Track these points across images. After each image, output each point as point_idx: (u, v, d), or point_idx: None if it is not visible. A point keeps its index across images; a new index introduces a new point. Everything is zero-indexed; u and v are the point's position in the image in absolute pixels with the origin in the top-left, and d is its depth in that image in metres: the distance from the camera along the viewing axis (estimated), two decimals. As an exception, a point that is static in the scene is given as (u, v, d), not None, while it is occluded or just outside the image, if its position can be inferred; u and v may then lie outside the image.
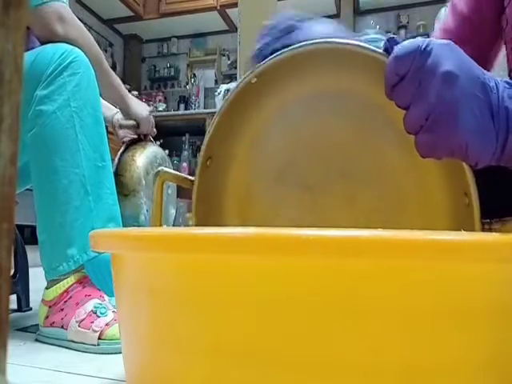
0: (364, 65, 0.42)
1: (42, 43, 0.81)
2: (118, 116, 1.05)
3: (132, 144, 1.01)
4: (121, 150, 0.99)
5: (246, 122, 0.50)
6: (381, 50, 0.40)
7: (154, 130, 1.07)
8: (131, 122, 1.01)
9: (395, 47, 0.37)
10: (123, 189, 0.93)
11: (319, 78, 0.48)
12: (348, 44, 0.41)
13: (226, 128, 0.49)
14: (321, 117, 0.50)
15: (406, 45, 0.37)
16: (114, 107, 1.08)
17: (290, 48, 0.43)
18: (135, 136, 1.03)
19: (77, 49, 0.78)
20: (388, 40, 0.38)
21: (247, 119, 0.50)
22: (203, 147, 0.49)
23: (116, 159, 0.97)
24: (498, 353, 0.29)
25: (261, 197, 0.54)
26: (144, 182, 0.95)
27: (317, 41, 0.42)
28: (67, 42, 0.79)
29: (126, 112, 1.00)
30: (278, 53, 0.43)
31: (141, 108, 1.02)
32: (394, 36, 0.39)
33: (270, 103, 0.50)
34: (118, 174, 0.94)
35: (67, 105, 0.75)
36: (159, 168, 0.53)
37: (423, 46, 0.36)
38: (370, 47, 0.40)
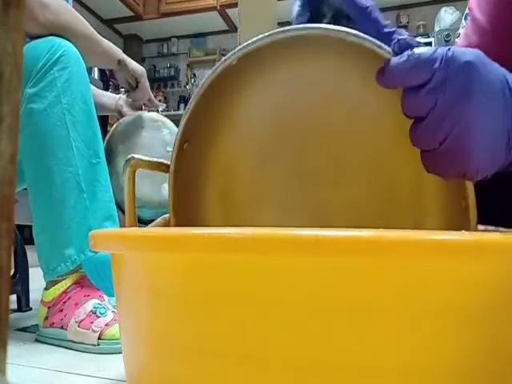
0: (358, 53, 0.39)
1: (32, 38, 0.77)
2: (121, 101, 1.04)
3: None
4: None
5: (226, 105, 0.47)
6: (382, 44, 0.36)
7: (152, 96, 1.04)
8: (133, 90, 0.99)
9: (412, 50, 0.34)
10: (107, 156, 0.92)
11: (308, 64, 0.45)
12: (344, 33, 0.38)
13: (205, 111, 0.46)
14: (310, 101, 0.47)
15: (426, 52, 0.33)
16: (113, 94, 1.07)
17: (276, 32, 0.39)
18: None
19: (66, 41, 0.76)
20: (399, 41, 0.35)
21: (228, 102, 0.47)
22: (180, 129, 0.45)
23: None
24: (495, 353, 0.29)
25: (244, 184, 0.51)
26: (121, 142, 0.93)
27: (308, 26, 0.39)
28: (56, 34, 0.77)
29: (127, 68, 0.95)
30: (264, 36, 0.40)
31: (138, 65, 0.99)
32: (405, 37, 0.35)
33: (253, 85, 0.46)
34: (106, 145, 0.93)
35: (58, 101, 0.74)
36: (129, 156, 0.48)
37: (447, 59, 0.33)
38: (372, 40, 0.36)
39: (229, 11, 4.00)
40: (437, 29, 3.33)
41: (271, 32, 0.40)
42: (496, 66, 0.35)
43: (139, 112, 1.01)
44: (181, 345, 0.31)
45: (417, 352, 0.27)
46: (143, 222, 0.70)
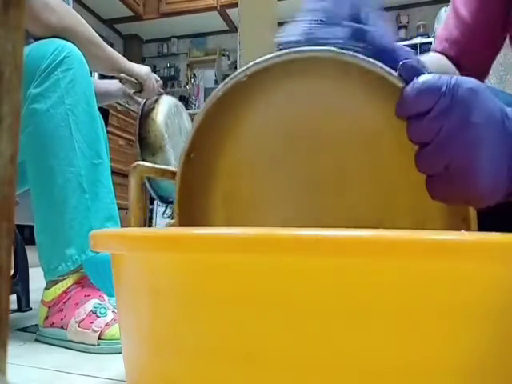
0: (363, 75, 0.40)
1: (36, 39, 0.78)
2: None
3: (145, 105, 1.01)
4: (138, 116, 0.99)
5: (231, 119, 0.49)
6: (391, 71, 0.37)
7: (160, 83, 1.04)
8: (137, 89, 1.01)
9: (417, 79, 0.35)
10: (151, 149, 0.93)
11: (316, 83, 0.46)
12: (356, 58, 0.39)
13: (211, 123, 0.47)
14: (312, 113, 0.48)
15: (431, 79, 0.34)
16: (116, 80, 1.08)
17: (289, 52, 0.41)
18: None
19: (69, 43, 0.77)
20: (404, 65, 0.36)
21: (233, 116, 0.49)
22: (188, 141, 0.47)
23: (136, 125, 0.97)
24: (495, 353, 0.29)
25: (249, 190, 0.52)
26: (166, 135, 0.95)
27: (318, 48, 0.41)
28: (59, 36, 0.77)
29: (130, 74, 0.96)
30: (276, 55, 0.42)
31: (141, 68, 0.99)
32: (412, 62, 0.36)
33: (256, 101, 0.48)
34: (141, 138, 0.94)
35: (61, 102, 0.74)
36: (135, 163, 0.49)
37: (451, 86, 0.34)
38: (381, 66, 0.38)
39: (229, 11, 3.99)
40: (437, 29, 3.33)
41: (286, 51, 0.41)
42: (491, 94, 0.36)
43: (164, 97, 1.02)
44: (181, 345, 0.31)
45: (417, 352, 0.27)
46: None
